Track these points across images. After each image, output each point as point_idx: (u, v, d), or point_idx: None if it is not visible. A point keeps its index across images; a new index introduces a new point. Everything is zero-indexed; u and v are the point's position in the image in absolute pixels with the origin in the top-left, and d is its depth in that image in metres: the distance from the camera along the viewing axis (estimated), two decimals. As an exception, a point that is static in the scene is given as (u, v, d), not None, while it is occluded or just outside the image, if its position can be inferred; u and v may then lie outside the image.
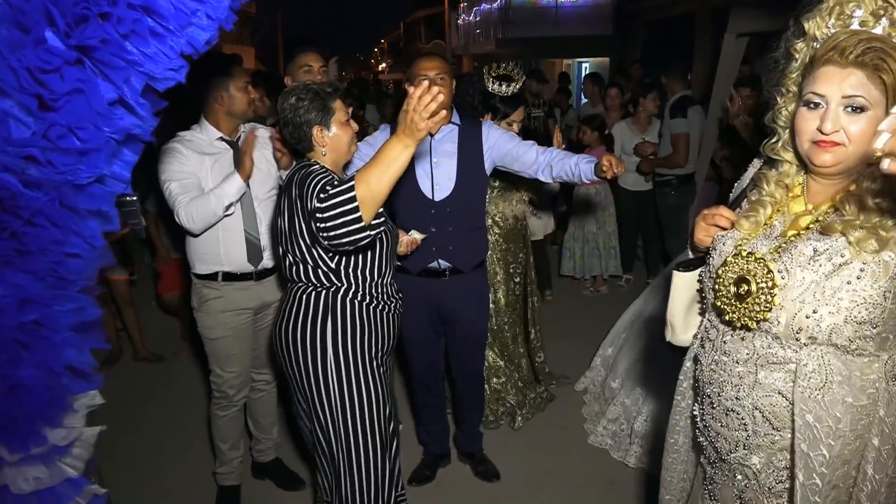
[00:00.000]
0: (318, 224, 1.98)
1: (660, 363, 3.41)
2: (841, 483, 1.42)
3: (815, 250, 1.38)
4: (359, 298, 2.25)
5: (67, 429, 1.62)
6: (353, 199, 1.91)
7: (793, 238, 1.45)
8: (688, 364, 1.71)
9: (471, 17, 19.26)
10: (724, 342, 1.53)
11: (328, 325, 2.22)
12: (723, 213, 1.57)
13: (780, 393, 1.43)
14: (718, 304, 1.51)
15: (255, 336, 2.99)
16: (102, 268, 4.47)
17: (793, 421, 1.41)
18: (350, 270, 2.23)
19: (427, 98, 1.82)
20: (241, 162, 2.68)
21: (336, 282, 2.23)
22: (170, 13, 1.44)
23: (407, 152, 1.90)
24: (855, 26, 1.33)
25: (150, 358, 4.71)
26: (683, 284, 1.69)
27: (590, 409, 3.78)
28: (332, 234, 1.97)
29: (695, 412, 1.67)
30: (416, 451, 3.40)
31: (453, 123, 2.91)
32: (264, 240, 2.85)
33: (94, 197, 1.53)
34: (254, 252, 2.83)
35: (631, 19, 12.78)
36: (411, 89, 1.88)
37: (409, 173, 2.84)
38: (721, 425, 1.56)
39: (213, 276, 2.83)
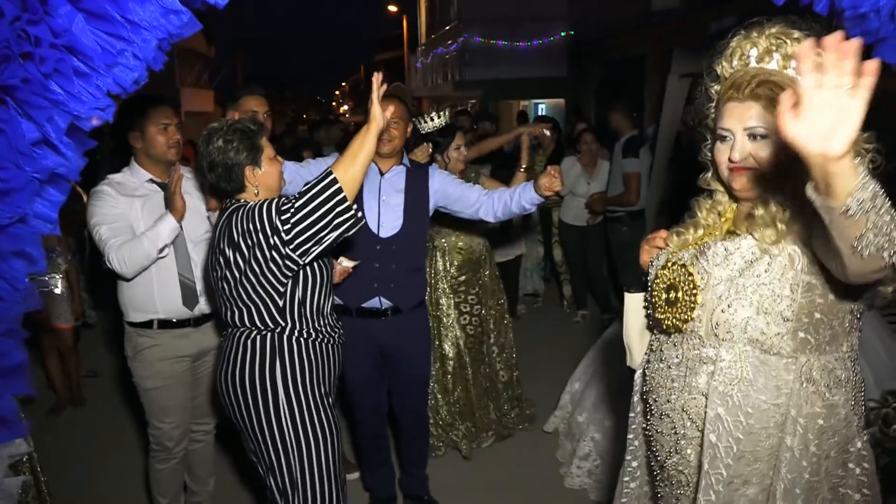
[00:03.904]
0: (295, 228, 2.01)
1: (629, 393, 3.38)
2: (754, 479, 1.49)
3: (725, 249, 1.50)
4: (304, 336, 2.21)
5: (-14, 479, 1.56)
6: (335, 181, 2.03)
7: (706, 241, 1.57)
8: (637, 380, 1.78)
9: (429, 60, 19.58)
10: (662, 350, 1.63)
11: (277, 367, 2.16)
12: (660, 234, 1.74)
13: (702, 394, 1.52)
14: (655, 314, 1.61)
15: (194, 384, 2.86)
16: (48, 317, 4.32)
17: (705, 414, 1.49)
18: (296, 308, 2.19)
19: (376, 90, 2.15)
20: (172, 202, 2.59)
21: (281, 322, 2.18)
22: (95, 52, 1.44)
23: (369, 135, 2.12)
24: (753, 64, 1.45)
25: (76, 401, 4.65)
26: (635, 306, 1.78)
27: (564, 451, 3.69)
28: (318, 226, 2.02)
29: (644, 425, 1.73)
30: (361, 497, 3.32)
31: (403, 165, 2.95)
32: (200, 283, 2.75)
33: (17, 237, 1.49)
34: (189, 295, 2.72)
35: (585, 61, 13.10)
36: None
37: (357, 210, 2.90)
38: (657, 431, 1.64)
39: (147, 324, 2.71)
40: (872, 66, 0.97)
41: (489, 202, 2.86)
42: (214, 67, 25.89)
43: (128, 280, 2.66)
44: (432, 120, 3.54)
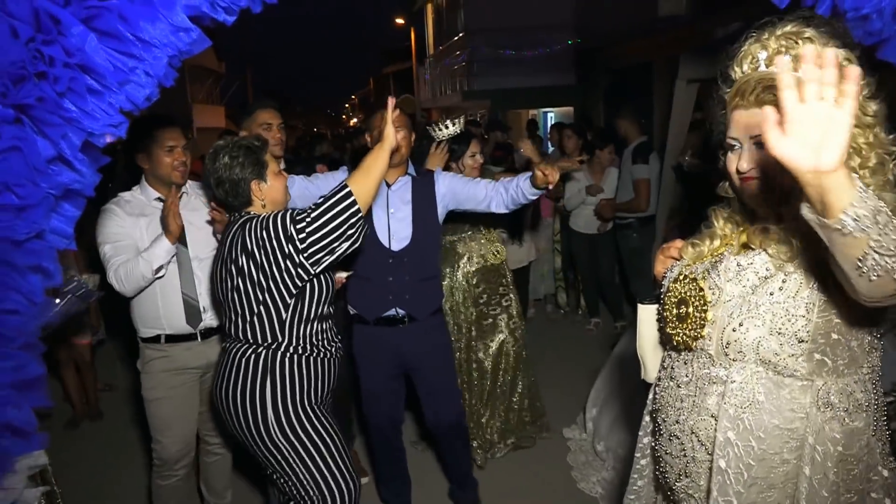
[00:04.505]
0: (310, 237, 2.10)
1: (638, 415, 3.37)
2: None
3: (738, 265, 1.44)
4: (299, 352, 2.27)
5: (6, 490, 1.58)
6: (350, 194, 2.14)
7: (718, 255, 1.51)
8: (649, 398, 1.71)
9: (437, 72, 19.66)
10: (673, 367, 1.56)
11: (267, 386, 2.22)
12: (675, 244, 1.67)
13: (712, 416, 1.44)
14: (666, 329, 1.55)
15: (202, 398, 2.89)
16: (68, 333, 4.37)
17: (715, 438, 1.41)
18: (296, 322, 2.26)
19: (390, 112, 2.31)
20: (166, 224, 2.62)
21: (279, 337, 2.24)
22: (107, 70, 1.48)
23: (382, 153, 2.25)
24: (762, 68, 1.37)
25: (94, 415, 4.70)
26: (648, 317, 1.70)
27: (575, 458, 3.73)
28: (332, 236, 2.12)
29: (653, 444, 1.67)
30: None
31: (409, 175, 2.96)
32: (204, 300, 2.78)
33: (34, 253, 1.52)
34: (192, 314, 2.76)
35: (593, 68, 13.11)
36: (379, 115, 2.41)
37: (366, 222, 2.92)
38: (667, 452, 1.57)
39: (156, 339, 2.77)
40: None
41: (498, 196, 2.88)
42: (225, 83, 26.17)
43: (128, 298, 2.72)
44: (447, 127, 3.51)
